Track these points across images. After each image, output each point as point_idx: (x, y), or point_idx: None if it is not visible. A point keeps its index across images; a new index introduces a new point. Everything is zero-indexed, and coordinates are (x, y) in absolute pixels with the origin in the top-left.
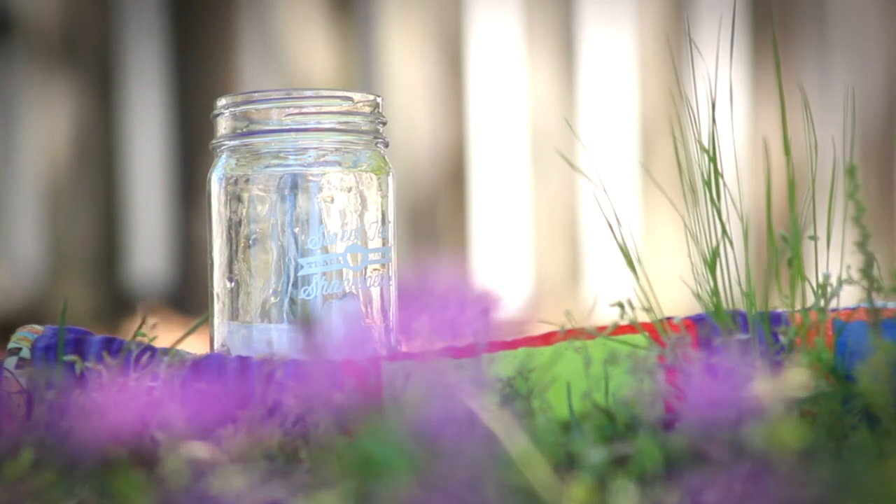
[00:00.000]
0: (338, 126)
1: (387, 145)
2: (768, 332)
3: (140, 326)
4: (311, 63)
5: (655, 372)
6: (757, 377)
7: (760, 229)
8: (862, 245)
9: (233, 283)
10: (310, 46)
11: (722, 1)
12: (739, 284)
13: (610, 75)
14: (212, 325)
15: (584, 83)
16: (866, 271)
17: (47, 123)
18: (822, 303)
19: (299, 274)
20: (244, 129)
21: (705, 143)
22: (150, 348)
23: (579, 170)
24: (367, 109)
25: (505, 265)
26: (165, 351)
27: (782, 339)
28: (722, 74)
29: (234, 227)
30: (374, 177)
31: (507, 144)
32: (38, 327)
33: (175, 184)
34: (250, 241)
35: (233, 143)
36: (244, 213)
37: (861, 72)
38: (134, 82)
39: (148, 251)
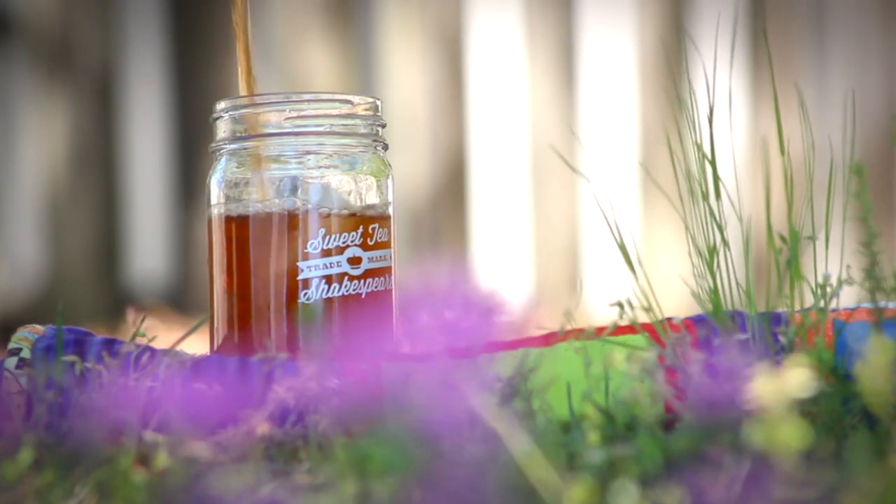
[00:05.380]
0: (337, 129)
1: (386, 148)
2: (768, 333)
3: (138, 328)
4: (311, 66)
5: (655, 372)
6: (757, 377)
7: (761, 230)
8: (867, 245)
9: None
10: (310, 49)
11: (722, 2)
12: (738, 285)
13: (610, 77)
14: (212, 326)
15: (585, 86)
16: (870, 271)
17: (47, 124)
18: (821, 303)
19: (299, 277)
20: (243, 133)
21: (704, 145)
22: (150, 349)
23: (579, 172)
24: (367, 112)
25: (505, 267)
26: (165, 351)
27: (782, 339)
28: (722, 77)
29: (233, 229)
30: (373, 179)
31: (508, 146)
32: (38, 327)
33: (175, 185)
34: (250, 244)
35: (232, 146)
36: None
37: (860, 72)
38: (133, 84)
39: (148, 252)
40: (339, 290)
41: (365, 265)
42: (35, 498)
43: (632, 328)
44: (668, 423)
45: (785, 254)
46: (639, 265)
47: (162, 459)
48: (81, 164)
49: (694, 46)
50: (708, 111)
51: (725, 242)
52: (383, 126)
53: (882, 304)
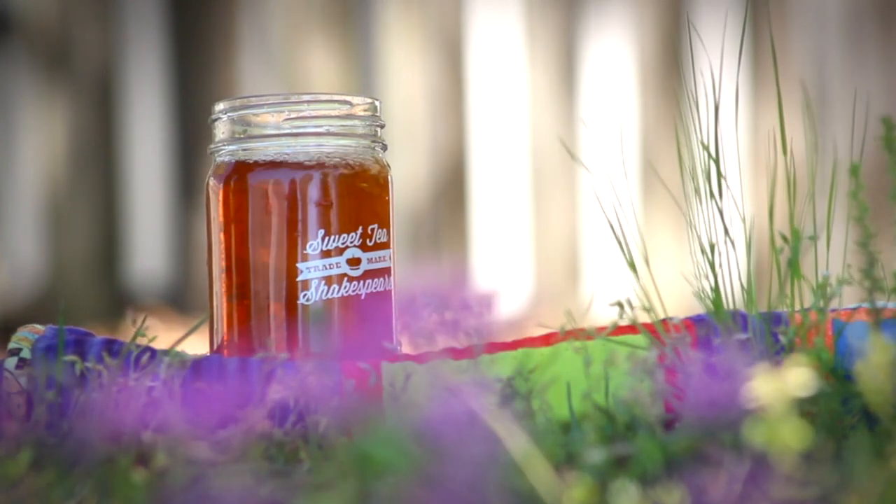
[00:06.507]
0: (336, 130)
1: (385, 148)
2: (768, 333)
3: (138, 329)
4: (311, 67)
5: (655, 372)
6: (757, 377)
7: (762, 229)
8: (864, 245)
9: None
10: (309, 50)
11: (722, 2)
12: (740, 285)
13: (611, 78)
14: (212, 326)
15: (585, 86)
16: (868, 271)
17: (47, 124)
18: (821, 303)
19: (298, 279)
20: (242, 134)
21: (707, 143)
22: (150, 349)
23: (582, 163)
24: (366, 113)
25: (505, 267)
26: (165, 351)
27: (782, 339)
28: (723, 76)
29: (232, 230)
30: (373, 180)
31: (508, 147)
32: (39, 327)
33: (175, 185)
34: (249, 246)
35: (231, 147)
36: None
37: (860, 72)
38: (133, 84)
39: (148, 252)
40: (338, 292)
41: (364, 266)
42: (35, 498)
43: (632, 328)
44: (668, 423)
45: (786, 253)
46: (640, 265)
47: (162, 459)
48: (81, 164)
49: (697, 45)
50: (708, 110)
51: (731, 241)
52: (382, 126)
53: (881, 304)
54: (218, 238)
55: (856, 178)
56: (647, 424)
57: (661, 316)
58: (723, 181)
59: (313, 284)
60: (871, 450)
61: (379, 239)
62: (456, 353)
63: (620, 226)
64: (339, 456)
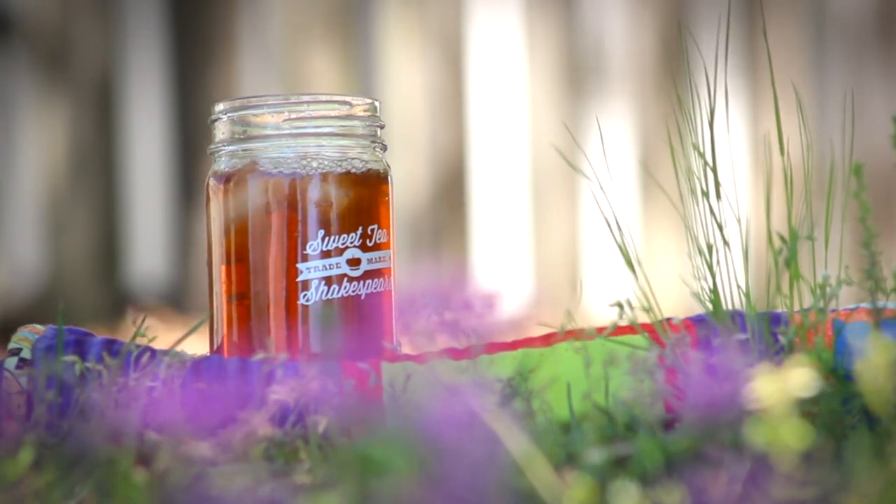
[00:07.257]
0: (336, 130)
1: (385, 149)
2: (768, 333)
3: (138, 329)
4: (311, 67)
5: (655, 372)
6: (757, 377)
7: (761, 230)
8: (866, 245)
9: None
10: (310, 51)
11: (722, 3)
12: (738, 286)
13: (611, 78)
14: (212, 326)
15: (585, 86)
16: (870, 271)
17: (47, 124)
18: (821, 303)
19: (298, 279)
20: (242, 135)
21: (703, 146)
22: (150, 349)
23: (579, 170)
24: (366, 113)
25: (504, 267)
26: (165, 351)
27: (782, 339)
28: (722, 77)
29: (232, 231)
30: (372, 181)
31: (507, 148)
32: (39, 327)
33: (175, 185)
34: (249, 246)
35: (231, 147)
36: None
37: (859, 73)
38: (133, 84)
39: (148, 252)
40: (338, 292)
41: (364, 266)
42: (35, 498)
43: (632, 328)
44: (668, 423)
45: (784, 254)
46: (638, 265)
47: (162, 459)
48: (81, 165)
49: (695, 46)
50: (709, 112)
51: (726, 242)
52: (382, 127)
53: (882, 304)
54: (218, 238)
55: (859, 178)
56: (647, 424)
57: (661, 316)
58: (718, 182)
59: (313, 285)
60: (871, 450)
61: (379, 239)
62: (456, 354)
63: (619, 227)
64: (339, 456)
